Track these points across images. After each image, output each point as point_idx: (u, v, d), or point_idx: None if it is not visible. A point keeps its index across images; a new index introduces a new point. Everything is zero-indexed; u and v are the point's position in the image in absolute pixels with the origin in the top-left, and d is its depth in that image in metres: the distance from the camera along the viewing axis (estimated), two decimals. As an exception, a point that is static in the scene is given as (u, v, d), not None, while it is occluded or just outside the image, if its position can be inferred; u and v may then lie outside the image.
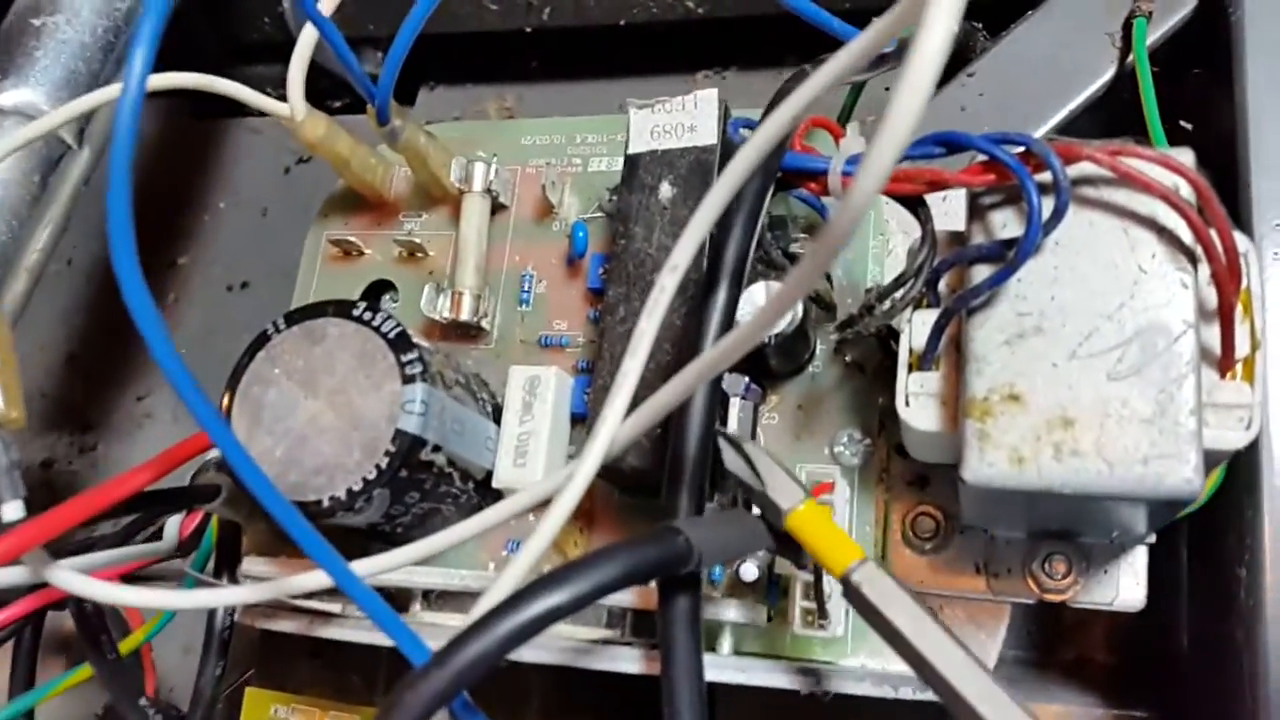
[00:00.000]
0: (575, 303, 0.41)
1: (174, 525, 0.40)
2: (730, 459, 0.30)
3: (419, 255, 0.43)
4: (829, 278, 0.38)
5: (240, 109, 0.75)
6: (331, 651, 0.44)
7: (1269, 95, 0.43)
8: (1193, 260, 0.30)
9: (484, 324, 0.41)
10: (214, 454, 0.39)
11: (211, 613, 0.40)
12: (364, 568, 0.29)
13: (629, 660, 0.32)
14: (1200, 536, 0.46)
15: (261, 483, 0.26)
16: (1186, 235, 0.30)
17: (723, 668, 0.32)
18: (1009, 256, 0.30)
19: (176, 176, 0.75)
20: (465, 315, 0.40)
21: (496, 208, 0.42)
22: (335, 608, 0.36)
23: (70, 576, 0.29)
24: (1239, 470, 0.39)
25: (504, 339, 0.42)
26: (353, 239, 0.43)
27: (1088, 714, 0.51)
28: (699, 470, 0.29)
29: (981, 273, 0.31)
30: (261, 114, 0.76)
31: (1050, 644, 0.57)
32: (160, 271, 0.74)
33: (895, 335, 0.36)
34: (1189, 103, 0.46)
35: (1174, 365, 0.29)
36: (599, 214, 0.42)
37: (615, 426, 0.27)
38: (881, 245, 0.39)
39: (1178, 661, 0.52)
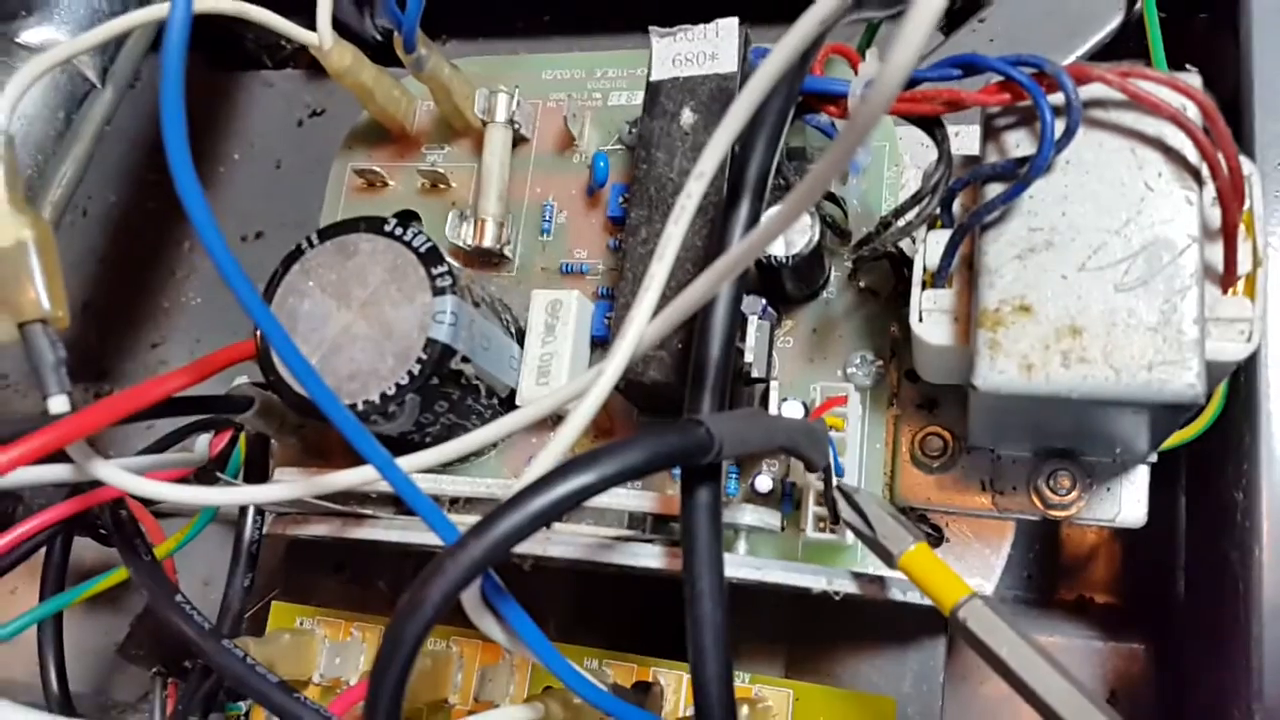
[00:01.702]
0: (595, 232, 0.42)
1: (204, 441, 0.41)
2: (845, 510, 0.33)
3: (442, 186, 0.44)
4: (844, 206, 0.39)
5: (256, 62, 0.76)
6: (355, 567, 0.45)
7: (1273, 39, 0.44)
8: (1198, 180, 0.31)
9: (506, 251, 0.42)
10: (241, 380, 0.41)
11: (240, 526, 0.41)
12: (400, 463, 0.30)
13: (650, 556, 0.33)
14: (1199, 466, 0.48)
15: (303, 366, 0.27)
16: (1192, 155, 0.31)
17: (738, 566, 0.34)
18: (1022, 173, 0.31)
19: (193, 128, 0.75)
20: (488, 242, 0.41)
21: (518, 140, 0.43)
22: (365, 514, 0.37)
23: (116, 471, 0.31)
24: (1238, 398, 0.40)
25: (525, 267, 0.43)
26: (377, 169, 0.44)
27: (1087, 646, 0.53)
28: (721, 374, 0.31)
29: (995, 190, 0.32)
30: (277, 67, 0.77)
31: (1050, 586, 0.58)
32: (175, 221, 0.74)
33: (908, 261, 0.37)
34: (1195, 47, 0.47)
35: (1178, 277, 0.30)
36: (619, 146, 0.43)
37: (643, 325, 0.29)
38: (896, 176, 0.40)
39: (1173, 599, 0.54)
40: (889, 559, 0.31)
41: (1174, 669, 0.50)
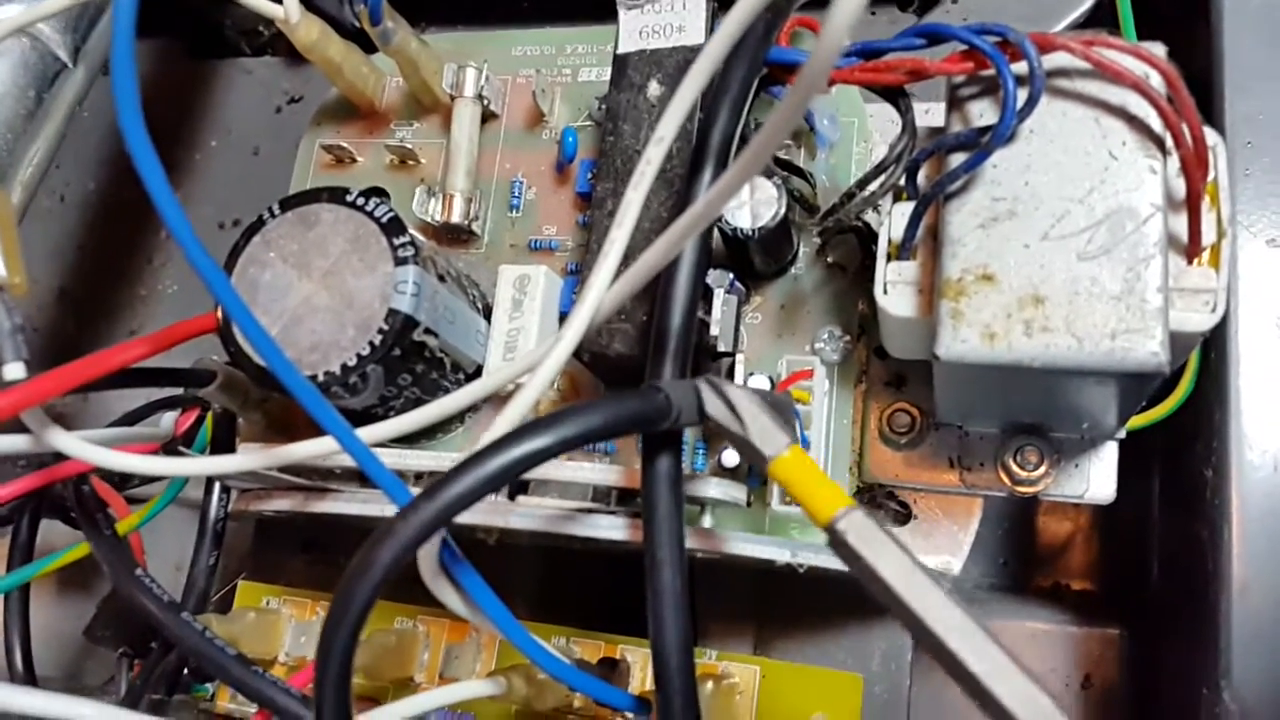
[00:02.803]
0: (564, 208, 0.42)
1: (170, 418, 0.41)
2: (711, 402, 0.28)
3: (410, 163, 0.44)
4: (812, 181, 0.39)
5: (234, 49, 0.76)
6: (323, 547, 0.45)
7: (1243, 18, 0.44)
8: (1162, 149, 0.31)
9: (474, 227, 0.42)
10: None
11: (205, 503, 0.40)
12: (360, 434, 0.30)
13: (613, 528, 0.33)
14: (1171, 446, 0.48)
15: (256, 330, 0.27)
16: (1156, 124, 0.31)
17: (702, 538, 0.33)
18: (985, 141, 0.31)
19: (169, 115, 0.76)
20: (456, 217, 0.41)
21: (487, 116, 0.43)
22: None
23: (73, 440, 0.30)
24: (1208, 375, 0.40)
25: (494, 243, 0.42)
26: (345, 145, 0.44)
27: (1063, 632, 0.53)
28: (682, 340, 0.30)
29: (959, 159, 0.32)
30: (255, 54, 0.76)
31: (1025, 573, 0.58)
32: (152, 209, 0.74)
33: (875, 237, 0.37)
34: (1166, 26, 0.47)
35: (1141, 245, 0.30)
36: (589, 123, 0.43)
37: (602, 290, 0.28)
38: (865, 152, 0.40)
39: (1149, 583, 0.54)
40: (761, 462, 0.27)
41: (1148, 652, 0.50)
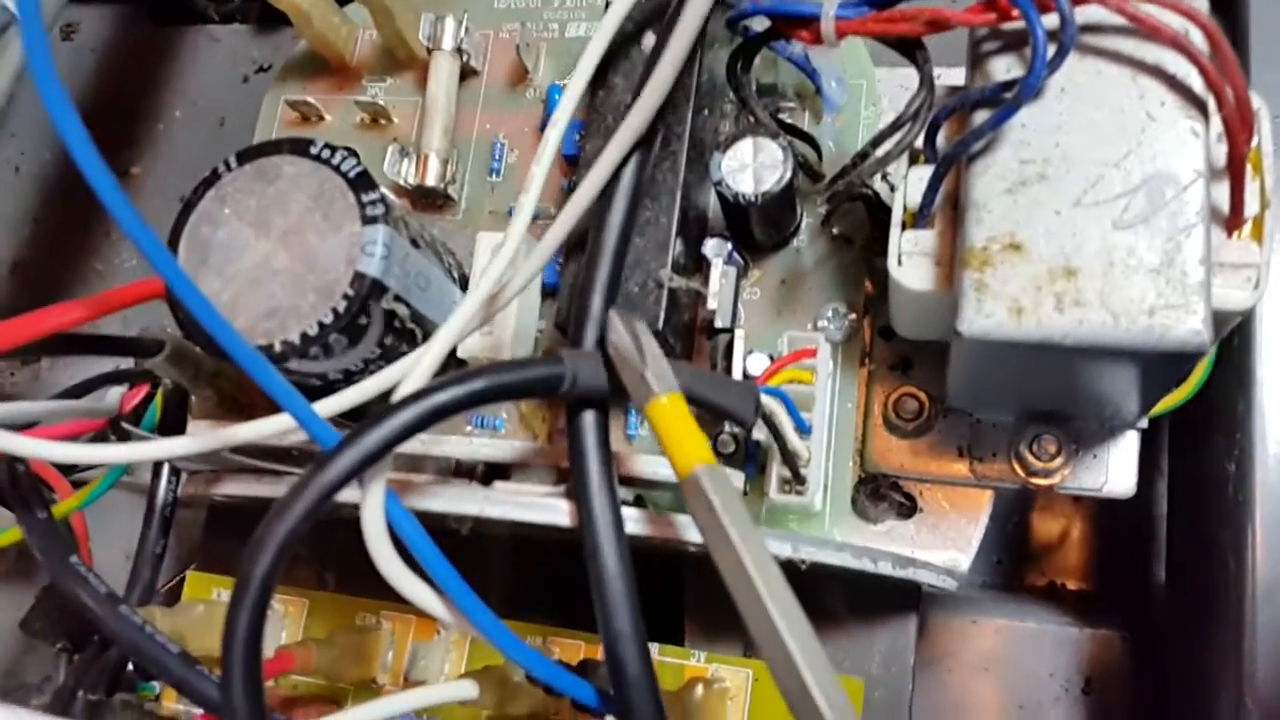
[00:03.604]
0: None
1: (116, 392, 0.37)
2: (616, 330, 0.28)
3: (382, 122, 0.41)
4: (818, 147, 0.36)
5: (202, 16, 0.72)
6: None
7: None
8: (1204, 112, 0.28)
9: (451, 192, 0.39)
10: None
11: (153, 486, 0.37)
12: (317, 406, 0.27)
13: (561, 513, 0.31)
14: (1182, 438, 0.45)
15: (206, 310, 0.24)
16: (1197, 83, 0.28)
17: (693, 530, 0.31)
18: (1011, 95, 0.28)
19: (132, 84, 0.72)
20: (431, 180, 0.38)
21: (466, 72, 0.40)
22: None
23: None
24: (1229, 361, 0.38)
25: (472, 209, 0.39)
26: (311, 101, 0.41)
27: (1062, 632, 0.50)
28: (604, 303, 0.29)
29: (983, 116, 0.29)
30: (223, 21, 0.73)
31: (1020, 572, 0.56)
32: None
33: (885, 207, 0.35)
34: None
35: (1182, 214, 0.27)
36: (576, 82, 0.40)
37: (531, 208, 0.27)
38: (874, 116, 0.37)
39: (1152, 583, 0.51)
40: (645, 399, 0.27)
41: (1154, 656, 0.48)
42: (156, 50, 0.72)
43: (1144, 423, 0.35)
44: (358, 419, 0.25)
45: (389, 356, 0.33)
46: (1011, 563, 0.56)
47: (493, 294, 0.30)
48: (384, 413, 0.25)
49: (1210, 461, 0.39)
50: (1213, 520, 0.39)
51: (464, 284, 0.36)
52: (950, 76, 0.38)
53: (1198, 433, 0.41)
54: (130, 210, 0.24)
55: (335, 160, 0.31)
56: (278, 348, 0.30)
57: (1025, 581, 0.55)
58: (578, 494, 0.28)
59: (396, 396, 0.27)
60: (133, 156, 0.70)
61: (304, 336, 0.30)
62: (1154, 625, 0.48)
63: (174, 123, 0.70)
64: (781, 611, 0.24)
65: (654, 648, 0.35)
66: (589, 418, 0.28)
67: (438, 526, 0.32)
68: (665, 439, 0.26)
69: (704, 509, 0.25)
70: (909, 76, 0.31)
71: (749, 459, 0.34)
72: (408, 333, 0.32)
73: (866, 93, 0.37)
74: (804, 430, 0.33)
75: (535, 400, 0.36)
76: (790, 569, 0.32)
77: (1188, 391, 0.37)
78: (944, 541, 0.36)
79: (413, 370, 0.29)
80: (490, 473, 0.34)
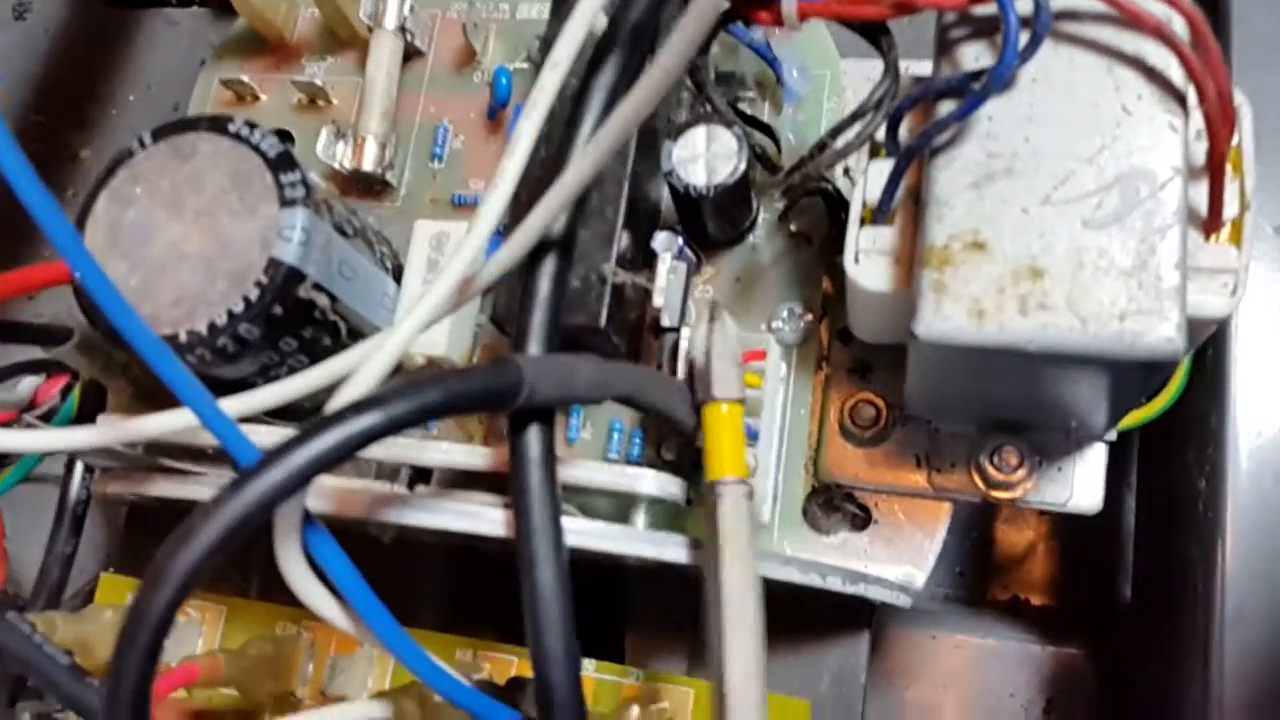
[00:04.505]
0: (495, 159, 0.36)
1: (29, 383, 0.35)
2: (707, 327, 0.29)
3: (320, 103, 0.39)
4: (777, 139, 0.34)
5: None
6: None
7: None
8: (1183, 106, 0.27)
9: (389, 178, 0.37)
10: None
11: (65, 482, 0.35)
12: (227, 403, 0.25)
13: (495, 522, 0.29)
14: (1152, 454, 0.44)
15: (106, 293, 0.22)
16: (1177, 75, 0.26)
17: (634, 540, 0.29)
18: (980, 85, 0.26)
19: (85, 66, 0.70)
20: (368, 165, 0.36)
21: (411, 53, 0.38)
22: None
23: None
24: (1202, 374, 0.36)
25: (412, 196, 0.37)
26: (246, 80, 0.38)
27: (1024, 650, 0.49)
28: (552, 309, 0.26)
29: (949, 107, 0.27)
30: (182, 4, 0.71)
31: (982, 585, 0.54)
32: (61, 164, 0.68)
33: (845, 203, 0.33)
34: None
35: (1158, 214, 0.26)
36: (526, 65, 0.38)
37: (489, 227, 0.24)
38: (837, 108, 0.35)
39: (1117, 601, 0.50)
40: (708, 396, 0.28)
41: (1119, 677, 0.46)
42: (111, 32, 0.69)
43: (1112, 435, 0.33)
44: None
45: (310, 351, 0.30)
46: (974, 576, 0.54)
47: (458, 285, 0.26)
48: (323, 423, 0.21)
49: (1181, 477, 0.38)
50: (1182, 537, 0.37)
51: (398, 276, 0.34)
52: (918, 69, 0.36)
53: (1168, 447, 0.40)
54: (36, 186, 0.22)
55: (254, 139, 0.29)
56: (183, 338, 0.28)
57: (987, 596, 0.54)
58: (516, 504, 0.26)
59: (336, 404, 0.23)
60: (83, 140, 0.68)
61: (212, 326, 0.28)
62: (1119, 644, 0.46)
63: (127, 107, 0.68)
64: (735, 643, 0.24)
65: (590, 664, 0.33)
66: (535, 428, 0.26)
67: (357, 531, 0.30)
68: (710, 441, 0.28)
69: (710, 517, 0.26)
70: (876, 68, 0.30)
71: (695, 466, 0.32)
72: (330, 325, 0.30)
73: (830, 83, 0.35)
74: (751, 437, 0.31)
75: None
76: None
77: (1161, 405, 0.36)
78: (899, 556, 0.34)
79: (358, 372, 0.25)
80: (417, 475, 0.32)
